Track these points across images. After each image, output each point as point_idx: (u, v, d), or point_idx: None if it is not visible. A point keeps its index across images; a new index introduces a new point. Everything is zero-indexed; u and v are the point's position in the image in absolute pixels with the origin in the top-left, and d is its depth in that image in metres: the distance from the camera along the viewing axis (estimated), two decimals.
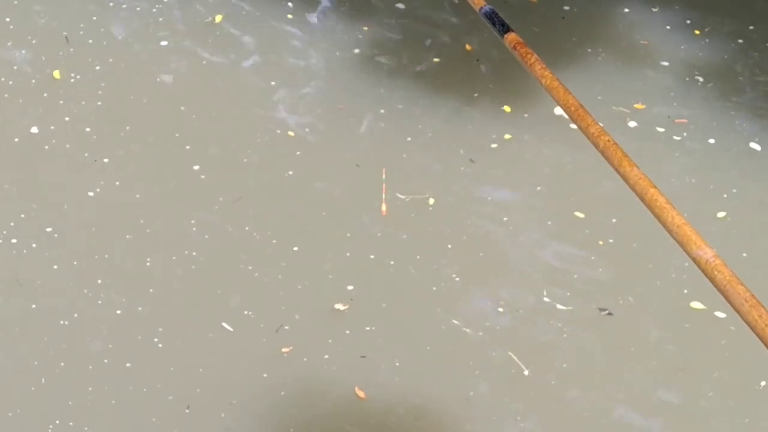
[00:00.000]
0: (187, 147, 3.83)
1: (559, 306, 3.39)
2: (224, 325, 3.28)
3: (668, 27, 4.34)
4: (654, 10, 4.38)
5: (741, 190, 3.71)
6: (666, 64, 4.19)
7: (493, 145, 3.86)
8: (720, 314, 3.38)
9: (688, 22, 4.36)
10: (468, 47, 4.27)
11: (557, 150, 3.85)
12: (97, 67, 4.08)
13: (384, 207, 3.61)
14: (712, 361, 3.34)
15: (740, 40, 4.30)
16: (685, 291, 3.46)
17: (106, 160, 3.78)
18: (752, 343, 1.31)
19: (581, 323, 3.36)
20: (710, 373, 3.31)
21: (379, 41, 4.31)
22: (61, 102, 3.97)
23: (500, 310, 3.35)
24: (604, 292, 3.46)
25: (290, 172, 3.78)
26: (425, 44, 4.31)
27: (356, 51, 4.26)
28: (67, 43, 4.16)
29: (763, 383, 3.27)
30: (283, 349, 3.21)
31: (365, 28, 4.32)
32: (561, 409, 3.19)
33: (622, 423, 3.15)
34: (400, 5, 4.45)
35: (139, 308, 3.34)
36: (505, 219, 3.61)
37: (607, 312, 3.40)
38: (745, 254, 3.48)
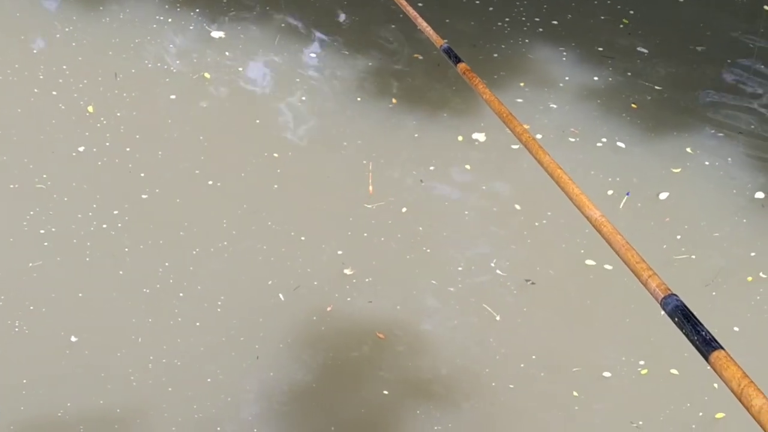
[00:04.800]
0: (199, 170, 4.96)
1: (498, 271, 4.54)
2: (280, 296, 4.41)
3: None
4: (496, 56, 5.70)
5: (621, 176, 4.98)
6: (520, 100, 5.44)
7: (432, 168, 5.05)
8: (608, 266, 4.52)
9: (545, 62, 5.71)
10: (394, 101, 5.50)
11: (497, 164, 5.08)
12: (134, 112, 5.24)
13: (371, 188, 4.83)
14: (615, 299, 4.42)
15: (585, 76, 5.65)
16: (582, 251, 4.62)
17: (142, 174, 4.91)
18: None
19: (516, 287, 4.48)
20: (617, 306, 4.37)
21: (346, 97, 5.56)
22: (97, 129, 5.10)
23: (460, 268, 4.53)
24: (529, 264, 4.59)
25: (278, 184, 4.94)
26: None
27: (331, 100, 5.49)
28: (116, 79, 5.32)
29: (662, 312, 4.29)
30: (328, 308, 4.36)
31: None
32: (527, 340, 4.29)
33: (562, 343, 4.28)
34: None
35: (198, 287, 4.43)
36: (466, 213, 4.82)
37: (531, 282, 4.51)
38: (624, 222, 4.69)
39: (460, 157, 5.10)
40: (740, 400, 1.23)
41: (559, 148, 5.06)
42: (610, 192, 4.91)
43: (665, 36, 5.89)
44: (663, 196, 4.90)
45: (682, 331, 1.38)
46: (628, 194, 4.57)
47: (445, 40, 2.52)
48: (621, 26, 5.95)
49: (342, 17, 6.01)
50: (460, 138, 5.19)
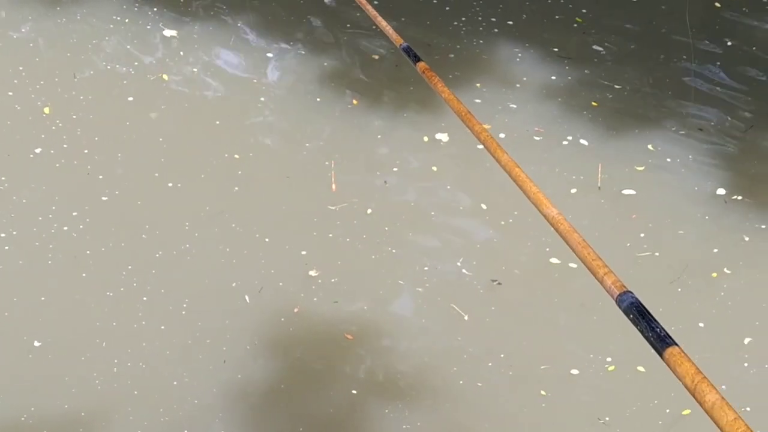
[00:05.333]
0: (158, 172, 4.91)
1: (464, 271, 4.53)
2: (246, 297, 4.38)
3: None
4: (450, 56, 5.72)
5: (584, 175, 5.00)
6: (479, 101, 5.41)
7: (395, 169, 5.03)
8: (573, 265, 4.50)
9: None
10: (355, 102, 5.48)
11: (462, 164, 5.07)
12: (91, 116, 5.18)
13: (334, 186, 4.81)
14: (581, 296, 4.41)
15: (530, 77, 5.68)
16: (547, 249, 4.62)
17: (101, 177, 4.85)
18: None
19: (483, 287, 4.47)
20: (583, 304, 4.39)
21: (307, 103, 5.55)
22: (54, 131, 5.04)
23: (426, 268, 4.52)
24: (495, 263, 4.57)
25: (239, 185, 4.91)
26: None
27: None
28: (74, 80, 5.25)
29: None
30: (295, 309, 4.33)
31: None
32: (494, 339, 4.29)
33: (529, 342, 4.28)
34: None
35: (162, 290, 4.37)
36: (432, 213, 4.82)
37: (497, 282, 4.51)
38: (588, 220, 4.73)
39: (424, 157, 5.09)
40: (694, 396, 1.23)
41: (525, 148, 5.06)
42: (573, 190, 4.92)
43: (619, 35, 5.92)
44: (627, 192, 4.92)
45: (637, 327, 1.39)
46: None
47: (403, 40, 2.53)
48: (575, 25, 5.97)
49: (298, 16, 5.98)
50: (425, 138, 5.17)
